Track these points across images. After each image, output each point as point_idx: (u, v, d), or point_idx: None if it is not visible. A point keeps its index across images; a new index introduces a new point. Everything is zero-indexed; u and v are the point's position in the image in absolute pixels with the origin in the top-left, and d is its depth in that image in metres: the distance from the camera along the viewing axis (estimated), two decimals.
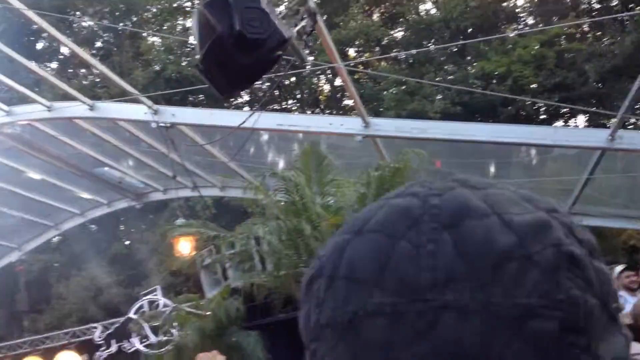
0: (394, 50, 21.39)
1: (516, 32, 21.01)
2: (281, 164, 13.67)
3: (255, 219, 7.92)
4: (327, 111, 22.50)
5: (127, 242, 20.22)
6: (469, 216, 0.44)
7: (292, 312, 11.30)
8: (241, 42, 3.89)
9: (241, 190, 12.04)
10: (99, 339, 13.93)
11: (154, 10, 23.34)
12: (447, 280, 0.42)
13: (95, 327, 14.27)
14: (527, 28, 21.57)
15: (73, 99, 9.41)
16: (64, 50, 22.94)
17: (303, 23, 4.90)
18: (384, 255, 0.44)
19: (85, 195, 13.43)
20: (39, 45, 23.02)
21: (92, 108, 9.22)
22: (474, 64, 20.56)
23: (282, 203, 8.03)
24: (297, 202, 7.59)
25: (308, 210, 7.47)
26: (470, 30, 20.86)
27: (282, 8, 5.51)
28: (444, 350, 0.40)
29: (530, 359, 0.39)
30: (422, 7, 23.83)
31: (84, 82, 20.55)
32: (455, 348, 0.40)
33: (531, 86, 19.19)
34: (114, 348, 13.70)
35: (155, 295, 13.80)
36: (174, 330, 12.70)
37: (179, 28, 22.68)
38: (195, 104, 19.03)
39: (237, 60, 4.07)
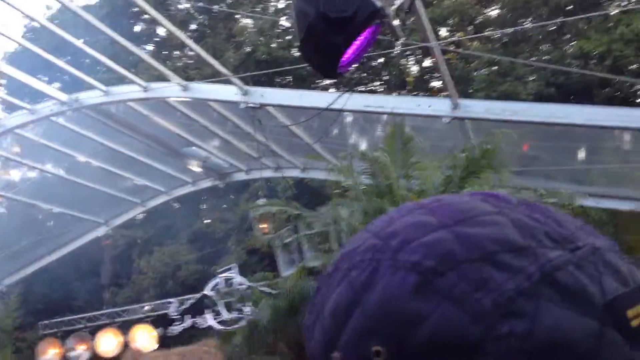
0: (488, 29, 21.32)
1: (619, 9, 20.42)
2: (364, 146, 14.12)
3: (338, 200, 8.41)
4: (414, 93, 22.75)
5: (208, 221, 21.27)
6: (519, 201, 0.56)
7: None
8: (328, 23, 4.07)
9: (322, 172, 12.64)
10: (174, 314, 14.84)
11: None
12: (574, 232, 0.52)
13: (170, 302, 15.15)
14: (630, 5, 20.91)
15: (167, 80, 10.23)
16: (160, 32, 24.40)
17: (401, 0, 5.17)
18: (516, 226, 0.50)
19: (172, 173, 14.41)
20: (137, 28, 24.46)
21: (185, 89, 10.04)
22: (573, 43, 20.21)
23: (366, 185, 8.48)
24: (381, 184, 8.05)
25: (392, 192, 7.90)
26: (570, 7, 20.49)
27: None
28: (619, 276, 0.49)
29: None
30: None
31: (178, 64, 21.78)
32: (622, 272, 0.50)
33: (630, 67, 18.68)
34: (188, 323, 14.58)
35: (231, 273, 14.58)
36: (247, 308, 13.41)
37: (271, 10, 23.51)
38: (282, 85, 19.80)
39: (332, 41, 4.38)
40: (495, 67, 19.89)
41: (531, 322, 0.46)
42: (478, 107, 9.52)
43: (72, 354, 14.38)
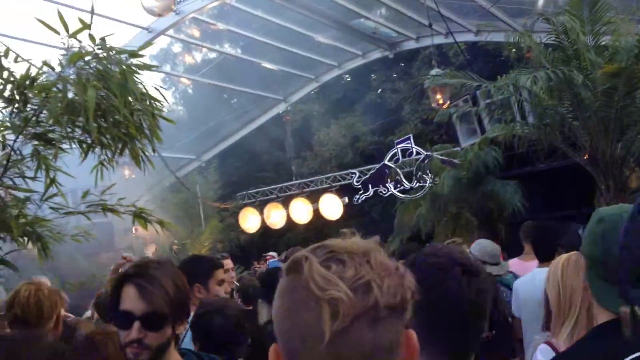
0: None
1: None
2: (540, 2, 12.87)
3: (521, 70, 7.80)
4: None
5: (379, 91, 21.14)
6: None
7: (554, 163, 11.30)
8: None
9: (498, 34, 11.75)
10: (357, 184, 15.32)
11: None
12: None
13: (353, 173, 15.63)
14: None
15: None
16: None
17: None
18: None
19: (342, 47, 14.36)
20: None
21: None
22: None
23: (550, 50, 7.77)
24: (567, 48, 7.31)
25: (580, 57, 7.16)
26: None
27: None
28: None
29: None
30: None
31: None
32: None
33: None
34: (370, 192, 15.01)
35: (408, 143, 14.57)
36: (427, 178, 13.45)
37: None
38: None
39: None
40: None
41: None
42: None
43: (270, 220, 15.57)
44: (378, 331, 0.90)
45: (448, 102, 11.06)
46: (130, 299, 1.97)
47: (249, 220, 15.64)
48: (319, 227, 16.85)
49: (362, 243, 0.96)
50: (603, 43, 7.77)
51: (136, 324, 1.94)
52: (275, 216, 15.62)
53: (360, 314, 0.88)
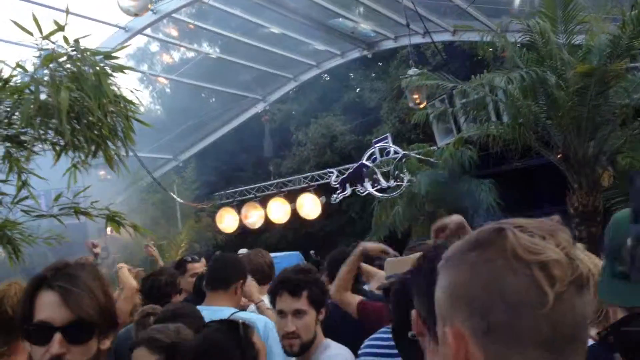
0: None
1: None
2: (517, 2, 13.04)
3: (495, 71, 7.89)
4: None
5: (358, 91, 21.16)
6: None
7: (528, 162, 11.47)
8: None
9: (474, 33, 11.88)
10: (335, 183, 15.39)
11: None
12: None
13: (331, 172, 15.69)
14: None
15: None
16: None
17: None
18: None
19: (320, 47, 14.40)
20: None
21: None
22: None
23: (524, 50, 7.88)
24: (541, 49, 7.41)
25: (553, 57, 7.28)
26: None
27: None
28: None
29: None
30: None
31: None
32: None
33: None
34: (348, 191, 15.09)
35: (386, 142, 14.67)
36: (404, 177, 13.55)
37: None
38: None
39: None
40: None
41: None
42: None
43: (247, 220, 15.54)
44: (584, 301, 0.88)
45: (425, 102, 11.15)
46: (49, 306, 1.61)
47: (226, 220, 15.63)
48: (297, 227, 16.83)
49: (547, 223, 0.93)
50: (576, 42, 7.89)
51: (57, 336, 1.57)
52: (253, 216, 15.61)
53: (572, 280, 0.86)
